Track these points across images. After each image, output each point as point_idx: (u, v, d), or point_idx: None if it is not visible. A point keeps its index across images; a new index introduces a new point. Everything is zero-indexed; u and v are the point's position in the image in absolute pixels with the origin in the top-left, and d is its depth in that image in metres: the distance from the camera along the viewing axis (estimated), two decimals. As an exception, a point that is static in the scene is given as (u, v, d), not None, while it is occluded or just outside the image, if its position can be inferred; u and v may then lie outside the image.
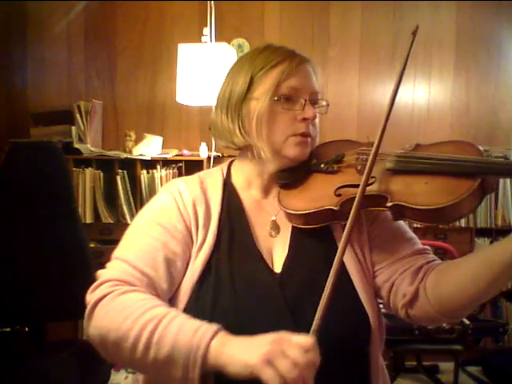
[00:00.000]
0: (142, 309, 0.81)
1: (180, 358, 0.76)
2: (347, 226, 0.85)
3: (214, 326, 0.77)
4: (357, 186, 0.90)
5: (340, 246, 0.83)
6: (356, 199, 0.87)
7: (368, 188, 0.90)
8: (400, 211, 0.89)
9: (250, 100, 0.99)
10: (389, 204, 0.88)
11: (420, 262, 0.95)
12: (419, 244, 1.01)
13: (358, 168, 0.96)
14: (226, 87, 1.03)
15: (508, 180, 3.18)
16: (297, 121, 0.98)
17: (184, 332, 0.77)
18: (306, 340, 0.73)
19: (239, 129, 1.00)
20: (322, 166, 1.01)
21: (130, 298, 0.84)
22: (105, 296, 0.84)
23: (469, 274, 0.86)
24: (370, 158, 0.89)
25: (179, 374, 0.76)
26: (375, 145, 0.90)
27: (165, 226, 0.96)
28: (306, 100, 0.98)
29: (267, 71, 0.98)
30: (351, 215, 0.85)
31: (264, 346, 0.72)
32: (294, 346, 0.71)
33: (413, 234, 1.02)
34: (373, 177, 0.92)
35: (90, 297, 0.86)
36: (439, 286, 0.90)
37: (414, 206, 0.86)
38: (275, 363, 0.70)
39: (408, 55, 0.95)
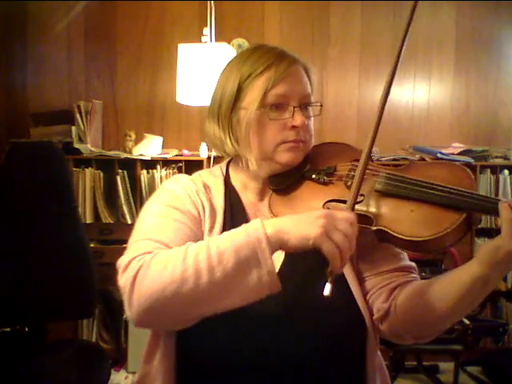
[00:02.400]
0: (181, 253, 0.80)
1: (249, 260, 0.77)
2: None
3: (256, 220, 0.81)
4: (345, 201, 0.90)
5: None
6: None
7: (355, 206, 0.90)
8: (384, 236, 0.89)
9: (239, 109, 0.98)
10: (373, 228, 0.89)
11: (399, 281, 0.97)
12: (405, 260, 1.01)
13: (348, 184, 0.96)
14: (216, 94, 1.02)
15: (508, 179, 3.18)
16: (286, 128, 0.97)
17: (237, 240, 0.79)
18: (349, 215, 0.82)
19: (230, 138, 0.99)
20: (314, 176, 1.00)
21: (162, 255, 0.82)
22: (139, 270, 0.81)
23: (434, 295, 0.88)
24: (354, 185, 0.89)
25: (255, 275, 0.78)
26: (360, 168, 0.89)
27: (181, 209, 0.95)
28: (295, 107, 0.96)
29: (254, 79, 0.96)
30: None
31: (319, 220, 0.79)
32: (343, 220, 0.80)
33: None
34: (362, 195, 0.92)
35: (124, 278, 0.82)
36: (406, 306, 0.92)
37: (397, 235, 0.86)
38: (331, 235, 0.78)
39: (408, 25, 0.99)
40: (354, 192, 0.88)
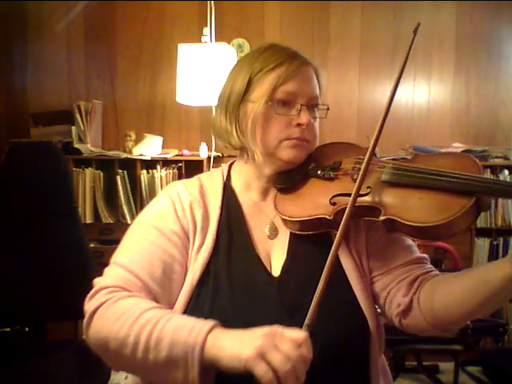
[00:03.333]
0: (136, 314, 0.82)
1: (178, 359, 0.76)
2: (337, 234, 0.85)
3: (208, 323, 0.78)
4: (351, 195, 0.90)
5: (331, 253, 0.83)
6: (347, 210, 0.87)
7: (362, 199, 0.90)
8: (392, 225, 0.89)
9: (247, 102, 0.99)
10: (382, 218, 0.88)
11: (416, 273, 0.96)
12: (417, 252, 1.01)
13: (354, 177, 0.96)
14: (226, 87, 1.03)
15: (508, 179, 3.18)
16: (291, 126, 0.98)
17: (180, 332, 0.77)
18: (298, 334, 0.73)
19: (236, 130, 1.01)
20: (319, 172, 1.00)
21: (124, 304, 0.85)
22: (101, 305, 0.85)
23: (462, 291, 0.87)
24: (361, 172, 0.89)
25: (180, 376, 0.76)
26: (366, 157, 0.90)
27: (161, 229, 0.97)
28: (302, 105, 0.98)
29: (265, 74, 0.98)
30: (342, 224, 0.85)
31: (257, 340, 0.72)
32: (287, 340, 0.72)
33: (410, 241, 1.02)
34: (368, 187, 0.92)
35: (88, 306, 0.87)
36: (432, 300, 0.91)
37: (406, 222, 0.86)
38: (268, 357, 0.70)
39: (408, 55, 0.94)
40: (356, 186, 0.87)
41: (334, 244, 0.84)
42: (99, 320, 0.84)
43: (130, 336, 0.79)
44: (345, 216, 0.86)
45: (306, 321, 0.77)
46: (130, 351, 0.79)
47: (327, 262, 0.82)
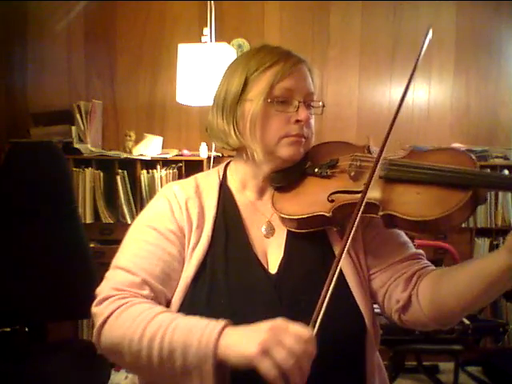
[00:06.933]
0: (147, 318, 0.83)
1: (192, 369, 0.77)
2: (346, 234, 0.84)
3: (218, 325, 0.78)
4: (349, 192, 0.92)
5: (339, 251, 0.83)
6: (356, 210, 0.87)
7: (360, 196, 0.90)
8: (391, 220, 0.89)
9: (244, 101, 0.99)
10: (380, 213, 0.89)
11: (414, 269, 0.97)
12: (413, 248, 1.02)
13: (351, 174, 0.97)
14: (221, 88, 1.03)
15: (508, 180, 3.17)
16: (290, 122, 0.98)
17: (190, 340, 0.78)
18: (303, 330, 0.73)
19: (234, 130, 1.01)
20: (316, 170, 1.01)
21: (135, 309, 0.86)
22: (112, 312, 0.86)
23: (461, 284, 0.87)
24: (371, 171, 0.89)
25: (198, 381, 0.78)
26: (376, 159, 0.90)
27: (159, 229, 0.98)
28: (299, 102, 0.98)
29: (261, 72, 0.98)
30: (351, 224, 0.85)
31: (260, 335, 0.72)
32: (291, 335, 0.72)
33: (406, 238, 1.03)
34: (365, 183, 0.92)
35: (97, 315, 0.88)
36: (431, 294, 0.92)
37: (405, 217, 0.87)
38: (272, 353, 0.70)
39: (419, 58, 0.97)
40: (365, 188, 0.88)
41: (341, 247, 0.84)
42: (113, 327, 0.85)
43: (143, 350, 0.80)
44: (354, 215, 0.86)
45: (314, 317, 0.76)
46: (146, 363, 0.81)
47: (333, 267, 0.81)
